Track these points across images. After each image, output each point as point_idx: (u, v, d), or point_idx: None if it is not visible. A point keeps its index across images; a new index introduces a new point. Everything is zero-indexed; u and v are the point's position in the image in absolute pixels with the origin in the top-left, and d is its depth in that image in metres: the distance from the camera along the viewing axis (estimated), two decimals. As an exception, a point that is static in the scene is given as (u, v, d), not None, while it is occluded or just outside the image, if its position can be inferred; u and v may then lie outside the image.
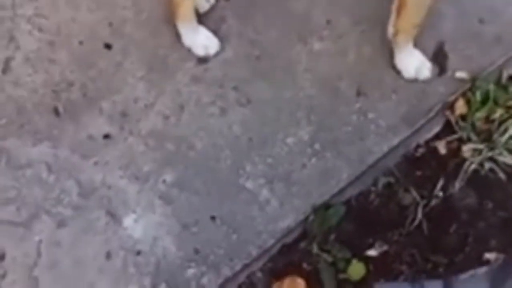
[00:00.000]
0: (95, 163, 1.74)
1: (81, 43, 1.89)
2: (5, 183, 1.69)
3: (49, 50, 1.87)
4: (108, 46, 1.89)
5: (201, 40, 1.81)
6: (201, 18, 1.89)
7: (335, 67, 1.94)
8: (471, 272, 1.35)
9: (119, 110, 1.81)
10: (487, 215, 1.84)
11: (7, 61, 1.84)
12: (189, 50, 1.86)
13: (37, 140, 1.75)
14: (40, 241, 1.64)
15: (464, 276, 1.35)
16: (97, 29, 1.88)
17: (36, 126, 1.77)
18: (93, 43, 1.89)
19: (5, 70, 1.84)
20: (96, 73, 1.87)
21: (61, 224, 1.66)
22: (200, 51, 1.82)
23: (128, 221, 1.67)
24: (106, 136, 1.78)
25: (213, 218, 1.72)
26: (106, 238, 1.66)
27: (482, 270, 1.34)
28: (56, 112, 1.79)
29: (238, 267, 1.66)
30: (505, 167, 1.88)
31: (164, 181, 1.73)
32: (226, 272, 1.65)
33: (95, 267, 1.63)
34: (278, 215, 1.73)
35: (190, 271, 1.64)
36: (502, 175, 1.87)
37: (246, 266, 1.67)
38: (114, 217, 1.68)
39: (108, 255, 1.64)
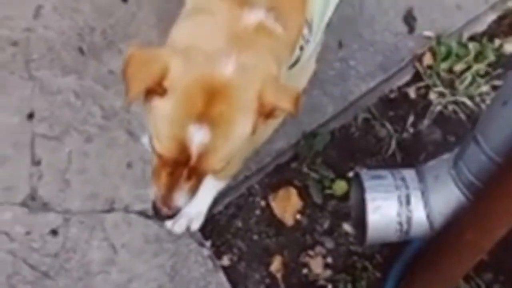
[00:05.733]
0: (115, 93, 2.13)
1: (101, -4, 2.29)
2: (39, 105, 2.06)
3: (74, 2, 2.27)
4: (124, 0, 2.29)
5: None
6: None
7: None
8: (438, 158, 1.76)
9: (136, 51, 2.19)
10: (450, 146, 2.25)
11: (38, 8, 2.24)
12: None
13: (65, 72, 2.14)
14: (71, 152, 2.01)
15: (432, 162, 1.76)
16: (115, -15, 2.29)
17: (64, 61, 2.16)
18: (111, -3, 2.29)
19: (36, 16, 2.23)
20: (115, 21, 2.26)
21: (88, 139, 2.04)
22: None
23: (145, 139, 2.04)
24: (125, 72, 2.15)
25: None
26: (127, 151, 2.03)
27: (446, 155, 1.75)
28: (81, 51, 2.18)
29: (240, 178, 2.04)
30: (465, 109, 2.31)
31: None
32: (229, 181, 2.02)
33: (118, 174, 2.00)
34: (273, 138, 2.13)
35: (200, 179, 2.00)
36: (462, 116, 2.31)
37: (246, 178, 2.06)
38: (133, 135, 2.06)
39: (129, 165, 2.02)
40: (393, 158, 2.26)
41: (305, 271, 2.05)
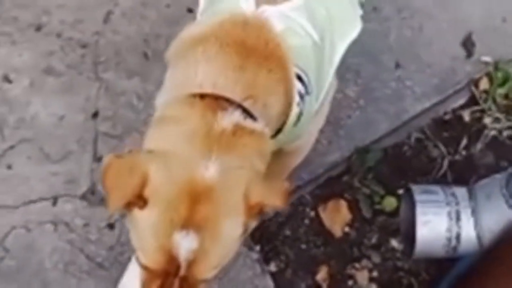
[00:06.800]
0: (177, 98, 2.21)
1: (168, 6, 2.40)
2: (104, 105, 2.18)
3: (142, 9, 2.38)
4: (190, 11, 2.40)
5: None
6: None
7: (379, 43, 2.42)
8: (490, 177, 1.79)
9: (198, 60, 2.29)
10: (503, 170, 2.27)
11: (108, 14, 2.36)
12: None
13: (130, 75, 2.25)
14: (130, 151, 2.09)
15: (484, 181, 1.79)
16: (183, -4, 2.40)
17: (129, 65, 2.27)
18: (178, 7, 2.40)
19: (106, 21, 2.35)
20: (180, 30, 2.35)
21: (148, 140, 2.12)
22: None
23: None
24: (186, 78, 2.25)
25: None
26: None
27: (499, 175, 1.78)
28: (145, 56, 2.29)
29: (291, 188, 2.09)
30: (520, 135, 2.34)
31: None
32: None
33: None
34: (326, 151, 2.20)
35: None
36: (517, 142, 2.33)
37: (298, 188, 2.11)
38: (191, 139, 2.13)
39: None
40: (444, 179, 2.28)
41: (350, 283, 2.09)
